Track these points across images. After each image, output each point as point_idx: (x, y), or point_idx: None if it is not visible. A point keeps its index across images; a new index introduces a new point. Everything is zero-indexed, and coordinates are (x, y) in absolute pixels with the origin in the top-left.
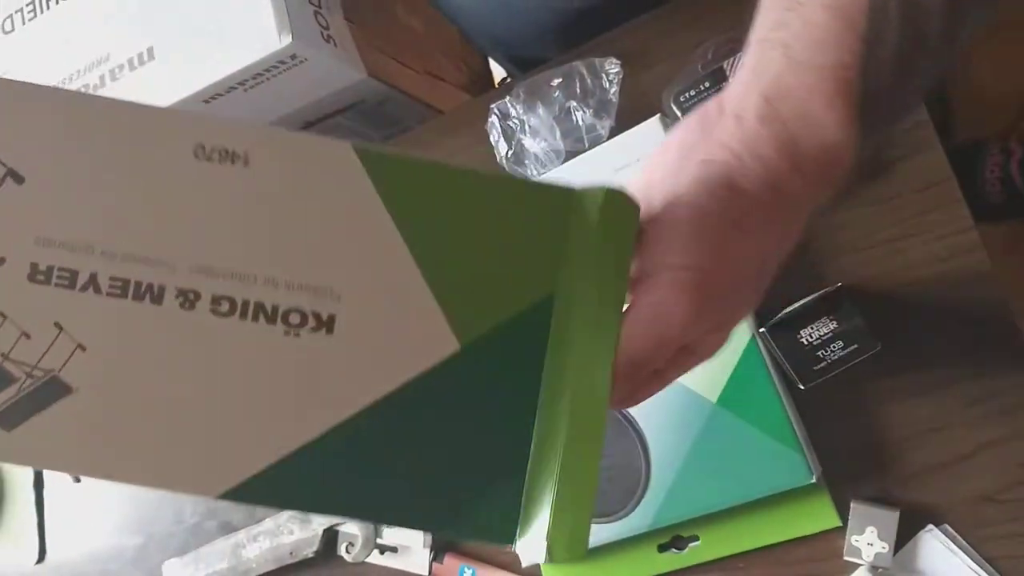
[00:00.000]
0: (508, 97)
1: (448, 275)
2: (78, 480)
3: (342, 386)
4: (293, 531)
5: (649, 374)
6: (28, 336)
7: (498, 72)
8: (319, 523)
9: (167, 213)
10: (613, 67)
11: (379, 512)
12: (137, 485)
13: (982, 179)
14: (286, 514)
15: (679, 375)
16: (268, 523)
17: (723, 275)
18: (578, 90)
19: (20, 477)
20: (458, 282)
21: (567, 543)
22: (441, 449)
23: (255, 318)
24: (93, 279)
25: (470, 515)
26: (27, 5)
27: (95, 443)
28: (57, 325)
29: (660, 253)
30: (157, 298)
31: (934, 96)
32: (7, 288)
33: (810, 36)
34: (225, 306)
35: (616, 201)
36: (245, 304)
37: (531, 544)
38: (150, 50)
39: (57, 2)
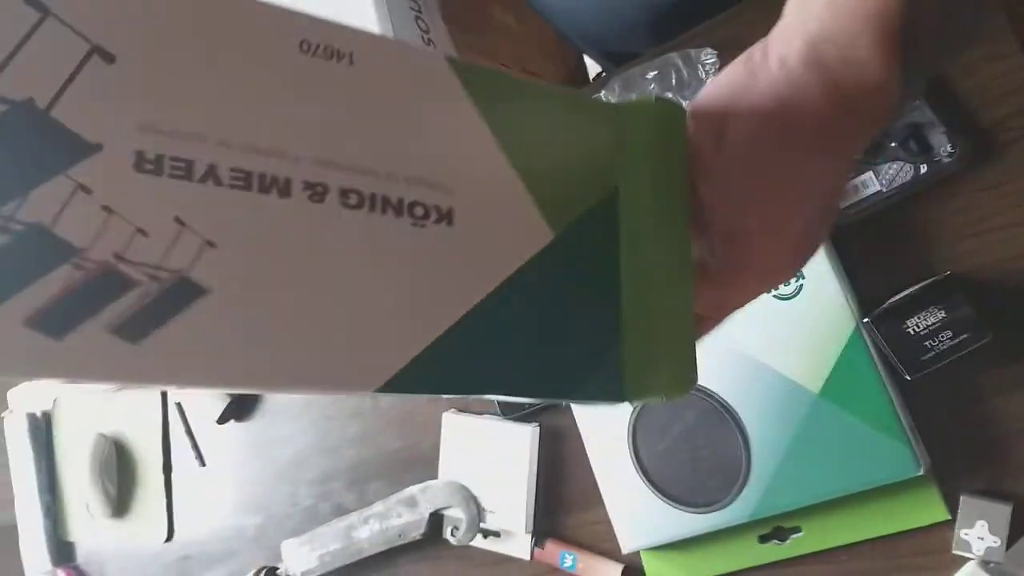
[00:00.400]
0: (604, 91)
1: (535, 173)
2: (204, 464)
3: (469, 273)
4: (402, 514)
5: None
6: (145, 233)
7: (593, 67)
8: (426, 507)
9: (279, 104)
10: (709, 57)
11: (508, 386)
12: (290, 391)
13: None
14: (395, 497)
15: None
16: (378, 506)
17: (764, 209)
18: (674, 82)
19: (152, 462)
20: (543, 180)
21: (672, 379)
22: (550, 325)
23: (384, 210)
24: (212, 170)
25: (582, 381)
26: None
27: (239, 349)
28: (178, 220)
29: (734, 214)
30: (284, 190)
31: None
32: (110, 179)
33: None
34: (354, 199)
35: (664, 110)
36: (373, 197)
37: (640, 388)
38: None
39: None
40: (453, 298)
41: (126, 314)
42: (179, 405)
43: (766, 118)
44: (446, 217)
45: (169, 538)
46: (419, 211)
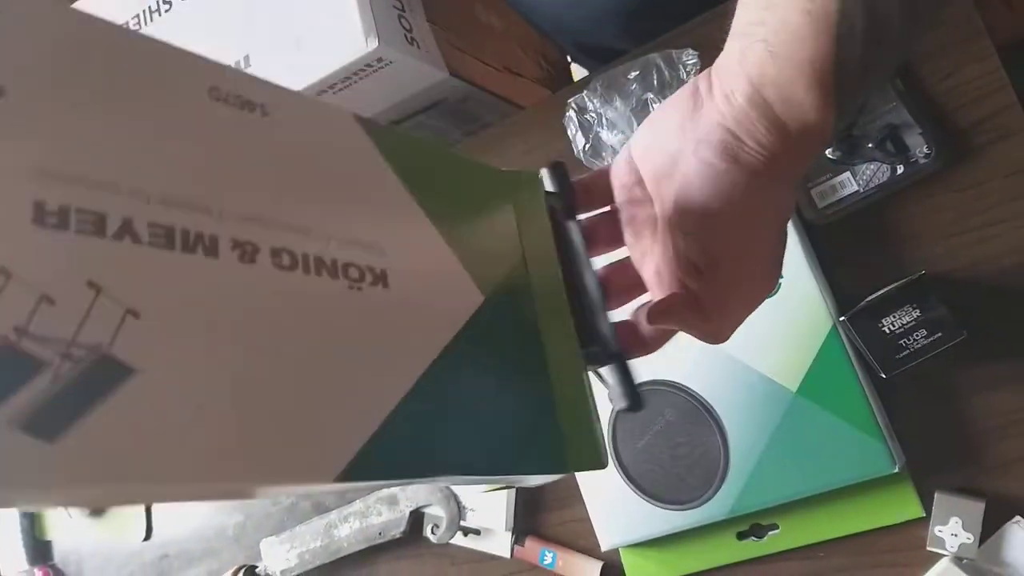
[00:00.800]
0: (585, 91)
1: (457, 232)
2: None
3: (412, 339)
4: (382, 512)
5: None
6: (51, 301)
7: (577, 68)
8: (406, 505)
9: (194, 153)
10: (690, 58)
11: (461, 467)
12: (244, 491)
13: None
14: (374, 496)
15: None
16: (358, 504)
17: (729, 234)
18: (655, 82)
19: None
20: (464, 239)
21: (601, 443)
22: (493, 394)
23: (319, 272)
24: (128, 225)
25: (529, 453)
26: (132, 18)
27: (179, 444)
28: (92, 284)
29: (675, 215)
30: (211, 249)
31: None
32: (4, 234)
33: (788, 33)
34: (287, 259)
35: (535, 179)
36: (306, 257)
37: (579, 456)
38: (247, 58)
39: (161, 15)
40: (401, 367)
41: (36, 404)
42: None
43: (719, 145)
44: (381, 279)
45: (147, 537)
46: (354, 273)
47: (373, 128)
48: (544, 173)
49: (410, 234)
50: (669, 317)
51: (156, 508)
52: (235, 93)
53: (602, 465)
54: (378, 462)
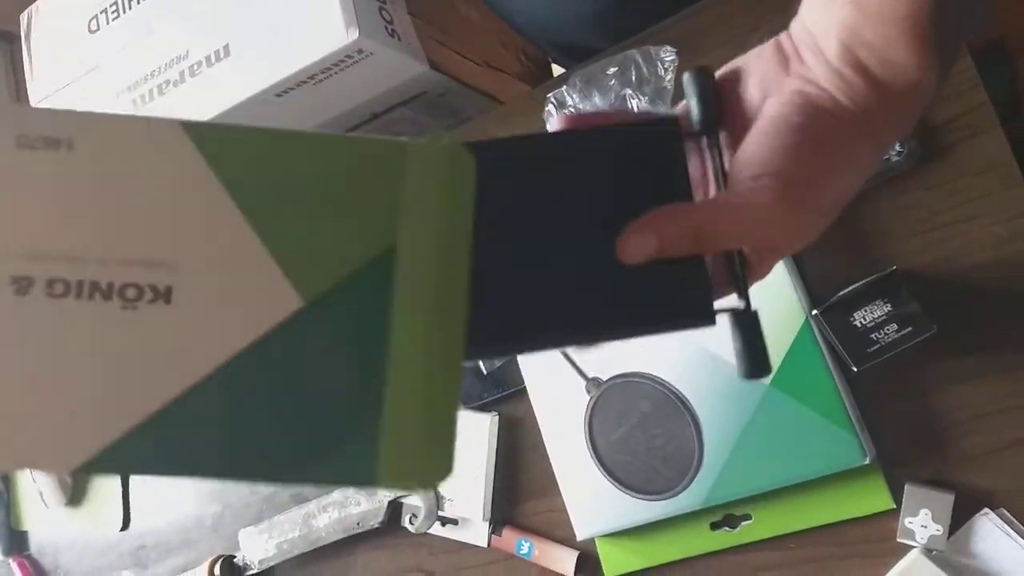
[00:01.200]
0: (565, 86)
1: (285, 236)
2: None
3: (188, 351)
4: (360, 502)
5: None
6: None
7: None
8: (384, 495)
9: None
10: (668, 55)
11: (235, 470)
12: None
13: None
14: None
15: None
16: (337, 494)
17: (808, 187)
18: (634, 78)
19: None
20: (296, 242)
21: (431, 468)
22: (295, 401)
23: (91, 296)
24: None
25: (328, 461)
26: (111, 5)
27: None
28: None
29: (758, 161)
30: None
31: (1004, 80)
32: None
33: None
34: (59, 288)
35: (454, 154)
36: (80, 284)
37: (396, 474)
38: (226, 47)
39: (139, 2)
40: (168, 377)
41: None
42: None
43: (812, 106)
44: (163, 296)
45: (125, 527)
46: (131, 293)
47: (203, 132)
48: (687, 79)
49: (217, 242)
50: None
51: (134, 498)
52: (41, 135)
53: (439, 480)
54: (128, 457)
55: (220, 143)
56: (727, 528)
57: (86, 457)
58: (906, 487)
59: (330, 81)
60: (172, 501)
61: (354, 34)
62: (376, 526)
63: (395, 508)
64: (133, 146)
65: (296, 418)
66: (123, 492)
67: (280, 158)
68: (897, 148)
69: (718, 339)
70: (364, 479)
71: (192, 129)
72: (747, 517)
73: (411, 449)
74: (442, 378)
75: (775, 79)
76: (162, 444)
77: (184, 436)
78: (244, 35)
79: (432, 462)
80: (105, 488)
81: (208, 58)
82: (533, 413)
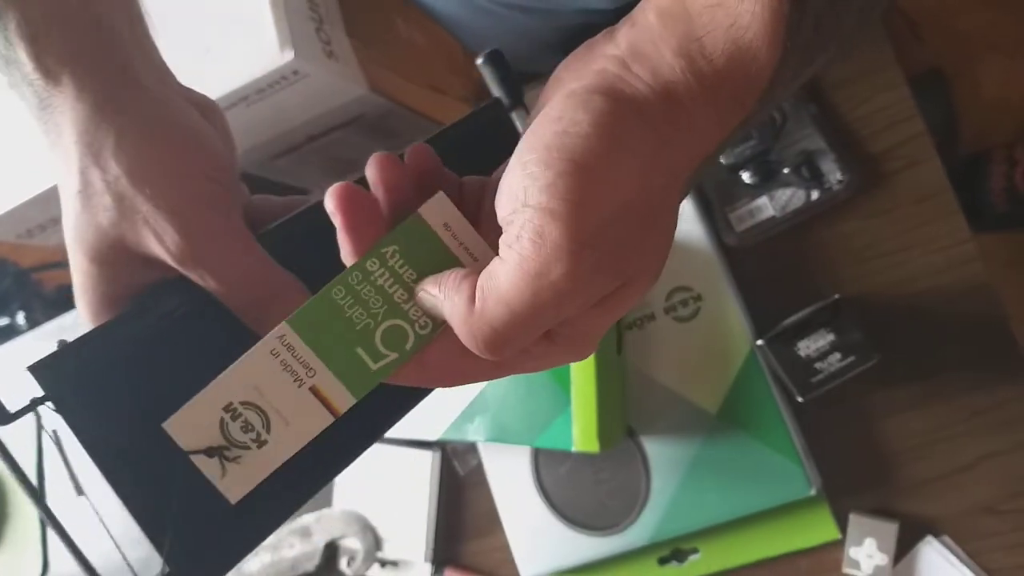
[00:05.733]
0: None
1: None
2: (80, 493)
3: None
4: (294, 545)
5: (518, 348)
6: None
7: None
8: (320, 537)
9: None
10: None
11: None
12: None
13: (987, 189)
14: (288, 527)
15: (543, 364)
16: (270, 537)
17: (603, 208)
18: None
19: (23, 492)
20: None
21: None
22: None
23: None
24: None
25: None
26: None
27: None
28: None
29: (527, 186)
30: None
31: (941, 106)
32: None
33: None
34: None
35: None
36: None
37: None
38: None
39: None
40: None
41: None
42: (55, 432)
43: (588, 98)
44: None
45: (44, 572)
46: None
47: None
48: (482, 66)
49: None
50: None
51: (53, 540)
52: None
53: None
54: None
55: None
56: (675, 563)
57: None
58: (851, 517)
59: (264, 103)
60: (94, 544)
61: (289, 55)
62: (311, 570)
63: (331, 550)
64: None
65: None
66: (42, 535)
67: None
68: (839, 176)
69: (664, 369)
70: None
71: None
72: (695, 551)
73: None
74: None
75: (574, 70)
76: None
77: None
78: (174, 54)
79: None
80: (23, 530)
81: None
82: (477, 448)
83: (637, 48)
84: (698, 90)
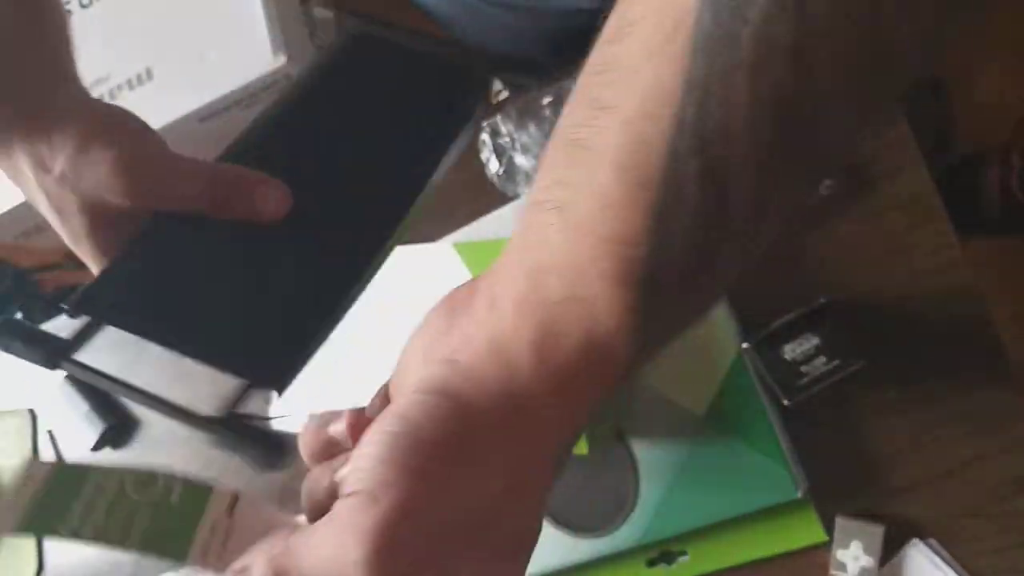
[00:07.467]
0: (500, 115)
1: None
2: None
3: None
4: None
5: None
6: None
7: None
8: None
9: None
10: None
11: None
12: None
13: (983, 192)
14: None
15: None
16: None
17: (420, 517)
18: None
19: None
20: None
21: None
22: None
23: None
24: None
25: None
26: None
27: None
28: None
29: (352, 472)
30: None
31: (936, 109)
32: None
33: (593, 197)
34: None
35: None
36: None
37: None
38: (148, 71)
39: None
40: None
41: None
42: (50, 433)
43: (433, 395)
44: None
45: (40, 571)
46: None
47: None
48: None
49: None
50: None
51: (48, 543)
52: None
53: None
54: None
55: None
56: (664, 564)
57: None
58: (837, 520)
59: (258, 106)
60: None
61: (282, 59)
62: None
63: None
64: None
65: None
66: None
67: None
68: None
69: (653, 371)
70: None
71: None
72: (683, 553)
73: None
74: None
75: (435, 342)
76: None
77: None
78: (168, 59)
79: None
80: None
81: (129, 81)
82: None
83: (493, 343)
84: (547, 389)
